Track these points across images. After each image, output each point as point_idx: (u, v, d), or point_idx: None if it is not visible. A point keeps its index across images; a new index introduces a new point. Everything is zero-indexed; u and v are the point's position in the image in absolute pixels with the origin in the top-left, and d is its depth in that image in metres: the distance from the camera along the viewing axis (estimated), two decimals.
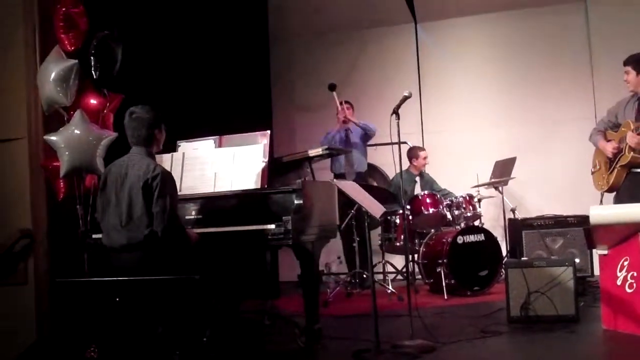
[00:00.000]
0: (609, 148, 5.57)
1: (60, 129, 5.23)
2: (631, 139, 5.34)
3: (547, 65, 8.69)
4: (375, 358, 4.38)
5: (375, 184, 8.53)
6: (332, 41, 9.68)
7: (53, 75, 5.19)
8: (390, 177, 8.72)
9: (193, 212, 4.87)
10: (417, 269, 7.73)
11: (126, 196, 4.33)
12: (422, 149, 8.34)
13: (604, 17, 8.47)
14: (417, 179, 8.29)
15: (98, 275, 4.68)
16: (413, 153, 8.27)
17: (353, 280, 7.68)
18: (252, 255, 5.80)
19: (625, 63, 5.59)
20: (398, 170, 5.30)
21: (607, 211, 5.04)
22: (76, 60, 5.29)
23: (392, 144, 5.00)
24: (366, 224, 4.86)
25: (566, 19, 8.69)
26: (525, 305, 5.23)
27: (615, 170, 5.52)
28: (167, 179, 4.31)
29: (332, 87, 7.93)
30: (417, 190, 8.14)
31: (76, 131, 5.16)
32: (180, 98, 7.68)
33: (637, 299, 4.68)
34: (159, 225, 4.25)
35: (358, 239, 7.60)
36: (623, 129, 5.50)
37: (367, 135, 8.00)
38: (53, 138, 5.19)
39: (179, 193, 4.87)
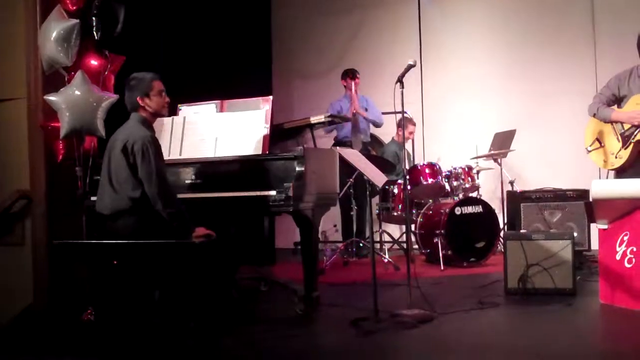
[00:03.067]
0: (637, 116, 5.44)
1: (61, 89, 5.17)
2: None
3: (550, 38, 8.63)
4: (373, 326, 4.38)
5: (374, 153, 8.49)
6: (334, 8, 9.62)
7: (54, 34, 5.11)
8: None
9: (193, 177, 4.85)
10: (413, 239, 7.73)
11: (114, 162, 4.37)
12: (414, 123, 8.31)
13: None
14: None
15: (96, 238, 4.67)
16: (401, 123, 8.22)
17: (350, 249, 7.70)
18: (250, 221, 5.79)
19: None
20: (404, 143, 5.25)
21: (609, 186, 5.02)
22: (78, 20, 5.21)
23: (395, 112, 4.97)
24: (368, 192, 4.83)
25: None
26: (524, 277, 5.24)
27: (631, 145, 5.41)
28: (148, 143, 4.30)
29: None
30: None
31: (77, 92, 5.09)
32: (181, 61, 7.62)
33: (635, 274, 4.69)
34: (148, 190, 4.26)
35: (356, 207, 7.61)
36: (636, 101, 5.38)
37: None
38: (53, 98, 5.13)
39: (179, 157, 4.86)
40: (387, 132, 8.58)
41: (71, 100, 5.10)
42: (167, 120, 5.07)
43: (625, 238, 4.77)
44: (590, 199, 5.02)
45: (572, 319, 4.67)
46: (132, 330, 4.51)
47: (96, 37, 5.43)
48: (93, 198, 4.87)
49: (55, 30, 5.14)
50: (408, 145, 8.58)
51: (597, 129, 5.69)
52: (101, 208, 4.43)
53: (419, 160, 8.20)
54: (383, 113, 8.04)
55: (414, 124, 8.39)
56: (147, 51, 6.64)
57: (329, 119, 5.18)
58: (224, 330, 4.41)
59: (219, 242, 4.45)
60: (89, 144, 5.34)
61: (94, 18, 5.39)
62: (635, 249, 4.70)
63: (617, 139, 5.52)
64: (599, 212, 4.95)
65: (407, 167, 7.63)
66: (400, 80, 4.85)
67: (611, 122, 5.57)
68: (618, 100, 5.59)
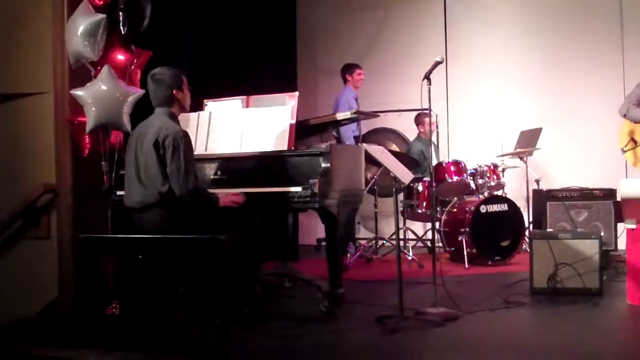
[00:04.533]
0: None
1: (87, 84, 5.19)
2: None
3: (577, 37, 8.54)
4: (398, 324, 4.35)
5: (397, 149, 8.45)
6: (359, 5, 9.59)
7: (81, 29, 5.13)
8: None
9: (219, 172, 4.85)
10: (437, 237, 7.69)
11: (143, 156, 4.40)
12: (428, 114, 8.23)
13: None
14: (430, 144, 8.22)
15: (121, 232, 4.69)
16: (419, 119, 8.23)
17: (373, 246, 7.68)
18: (275, 217, 5.78)
19: None
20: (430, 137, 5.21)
21: (638, 184, 4.96)
22: (104, 15, 5.23)
23: (421, 110, 4.93)
24: (394, 189, 4.80)
25: None
26: (552, 276, 5.19)
27: None
28: (179, 138, 4.32)
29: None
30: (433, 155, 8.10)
31: (103, 87, 5.11)
32: (207, 57, 7.63)
33: None
34: (176, 185, 4.28)
35: (379, 204, 7.60)
36: None
37: None
38: (80, 93, 5.15)
39: (205, 152, 4.86)
40: (411, 129, 8.55)
41: (97, 95, 5.12)
42: (193, 115, 5.07)
43: None
44: (619, 198, 4.97)
45: (599, 320, 4.62)
46: (156, 324, 4.52)
47: (123, 32, 5.46)
48: (119, 192, 4.90)
49: (82, 25, 5.17)
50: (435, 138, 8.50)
51: (631, 128, 5.65)
52: (129, 202, 4.46)
53: (443, 157, 8.13)
54: (408, 110, 8.00)
55: (430, 116, 8.26)
56: (173, 46, 6.65)
57: (355, 115, 5.15)
58: (248, 326, 4.40)
59: (243, 237, 4.45)
60: (114, 138, 5.36)
61: (120, 13, 5.42)
62: None
63: None
64: (627, 211, 4.89)
65: (436, 161, 7.59)
66: (427, 76, 4.81)
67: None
68: None
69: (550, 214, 6.72)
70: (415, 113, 8.19)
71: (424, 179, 7.43)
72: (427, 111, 7.65)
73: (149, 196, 4.36)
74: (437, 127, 7.87)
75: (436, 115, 7.52)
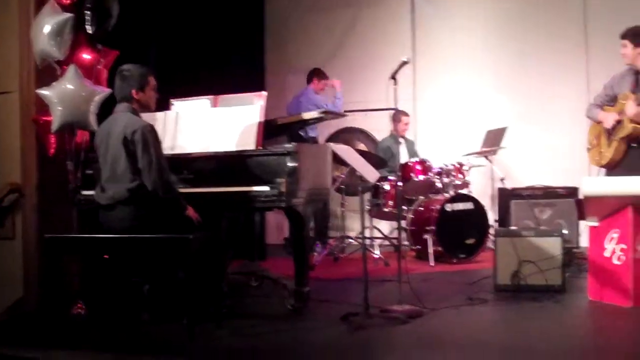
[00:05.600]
0: (610, 119, 5.51)
1: (53, 83, 5.16)
2: (630, 109, 5.30)
3: (542, 38, 8.64)
4: (364, 322, 4.39)
5: (365, 149, 8.50)
6: (328, 4, 9.63)
7: (47, 28, 5.10)
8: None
9: (186, 172, 4.85)
10: (403, 235, 7.75)
11: (110, 153, 4.41)
12: (406, 114, 8.28)
13: None
14: (402, 141, 8.29)
15: (87, 232, 4.68)
16: (396, 116, 8.26)
17: (340, 245, 7.73)
18: (242, 216, 5.80)
19: (623, 36, 5.52)
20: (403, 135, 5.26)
21: (599, 183, 5.07)
22: (71, 14, 5.21)
23: (387, 109, 4.98)
24: (360, 188, 4.85)
25: None
26: (516, 273, 5.27)
27: (614, 142, 5.46)
28: (147, 132, 4.34)
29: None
30: (403, 153, 8.18)
31: (69, 86, 5.09)
32: (174, 56, 7.62)
33: (624, 271, 4.72)
34: (148, 180, 4.30)
35: (346, 203, 7.65)
36: (622, 101, 5.46)
37: None
38: (45, 92, 5.12)
39: (172, 152, 4.87)
40: (378, 128, 8.60)
41: (63, 94, 5.09)
42: (160, 115, 5.06)
43: (615, 235, 4.81)
44: (581, 197, 5.07)
45: (561, 316, 4.70)
46: (122, 323, 4.52)
47: (89, 31, 5.43)
48: (84, 192, 4.89)
49: (48, 24, 5.13)
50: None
51: (597, 128, 5.76)
52: (100, 199, 4.45)
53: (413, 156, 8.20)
54: (375, 110, 8.06)
55: (407, 115, 8.33)
56: (140, 45, 6.63)
57: (322, 114, 5.18)
58: (214, 325, 4.41)
59: (210, 236, 4.46)
60: (80, 138, 5.34)
61: (87, 12, 5.39)
62: (624, 247, 4.73)
63: (607, 136, 5.59)
64: (589, 209, 4.99)
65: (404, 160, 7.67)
66: (393, 76, 4.86)
67: (597, 122, 5.68)
68: (613, 100, 5.65)
69: (514, 212, 6.80)
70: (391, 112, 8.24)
71: (390, 177, 7.47)
72: (398, 110, 7.78)
73: (119, 193, 4.36)
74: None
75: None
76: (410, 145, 8.40)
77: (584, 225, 5.29)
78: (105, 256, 4.51)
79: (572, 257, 6.28)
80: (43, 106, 5.24)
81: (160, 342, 4.20)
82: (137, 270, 4.48)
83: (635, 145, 5.41)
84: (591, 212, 4.99)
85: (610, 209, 4.85)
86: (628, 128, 5.34)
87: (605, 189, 4.89)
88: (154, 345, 4.16)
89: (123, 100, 4.51)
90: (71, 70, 5.14)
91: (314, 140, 7.92)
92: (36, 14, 5.28)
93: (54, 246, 4.50)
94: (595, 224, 4.98)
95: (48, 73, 5.33)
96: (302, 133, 7.70)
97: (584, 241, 5.78)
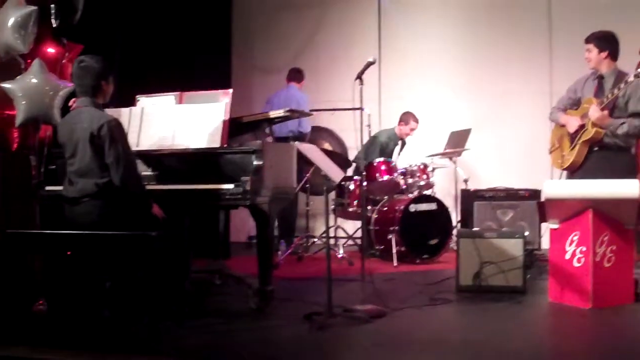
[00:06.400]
0: (574, 122, 5.57)
1: (17, 77, 5.11)
2: (594, 112, 5.36)
3: (507, 42, 8.73)
4: (327, 321, 4.40)
5: (330, 148, 8.53)
6: (296, 3, 9.62)
7: (11, 21, 5.05)
8: (346, 143, 8.78)
9: (150, 168, 4.82)
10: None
11: (76, 149, 4.36)
12: (416, 119, 8.34)
13: None
14: (400, 143, 8.35)
15: (50, 228, 4.63)
16: (405, 117, 8.34)
17: (304, 244, 7.74)
18: (206, 214, 5.78)
19: (587, 40, 5.58)
20: (358, 136, 5.29)
21: (560, 186, 5.13)
22: (36, 7, 5.16)
23: (353, 109, 5.00)
24: (325, 188, 4.85)
25: None
26: (478, 274, 5.32)
27: (577, 146, 5.53)
28: (114, 127, 4.30)
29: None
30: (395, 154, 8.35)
31: (34, 80, 5.04)
32: (140, 52, 7.56)
33: (584, 273, 4.79)
34: (116, 174, 4.27)
35: (311, 202, 7.67)
36: (585, 105, 5.52)
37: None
38: (9, 86, 5.06)
39: (137, 148, 4.84)
40: (344, 128, 8.62)
41: (27, 88, 5.05)
42: (124, 110, 5.03)
43: (575, 238, 4.87)
44: (542, 199, 5.13)
45: (522, 317, 4.76)
46: (83, 321, 4.48)
47: (54, 25, 5.39)
48: (48, 188, 4.84)
49: (12, 17, 5.09)
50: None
51: (560, 131, 5.82)
52: (69, 194, 4.41)
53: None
54: (341, 109, 8.08)
55: (417, 121, 8.39)
56: (105, 40, 6.56)
57: (288, 113, 5.18)
58: (176, 323, 4.40)
59: (174, 234, 4.45)
60: (44, 132, 5.29)
61: (52, 5, 5.34)
62: (584, 249, 4.80)
63: (569, 140, 5.65)
64: (550, 211, 5.05)
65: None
66: (359, 77, 4.89)
67: (560, 125, 5.74)
68: (576, 104, 5.72)
69: (477, 213, 6.88)
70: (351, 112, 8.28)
71: (355, 177, 7.49)
72: (409, 112, 7.85)
73: (88, 187, 4.32)
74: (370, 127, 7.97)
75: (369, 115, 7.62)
76: (402, 149, 8.47)
77: (546, 228, 5.35)
78: (68, 252, 4.47)
79: (533, 259, 6.36)
80: (7, 100, 5.18)
81: (121, 340, 4.17)
82: (100, 267, 4.45)
83: (596, 148, 5.49)
84: (552, 215, 5.06)
85: (571, 211, 4.91)
86: (591, 132, 5.40)
87: (566, 191, 4.96)
88: (114, 342, 4.12)
89: (86, 92, 4.43)
90: (36, 64, 5.10)
91: (302, 137, 7.95)
92: (0, 7, 5.22)
93: (15, 242, 4.44)
94: (556, 226, 5.05)
95: (12, 67, 5.28)
96: (293, 129, 7.79)
97: (545, 243, 5.85)
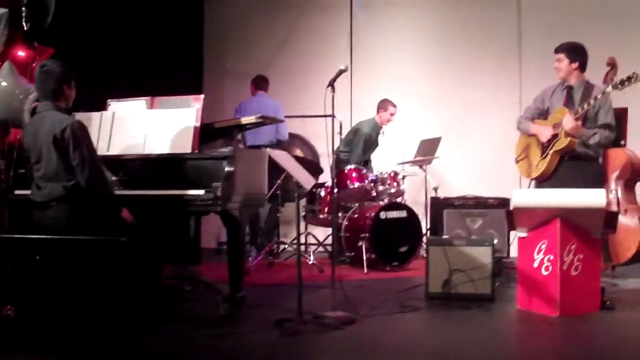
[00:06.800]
0: (547, 132, 5.62)
1: None
2: (568, 123, 5.39)
3: (477, 50, 8.84)
4: (297, 327, 4.42)
5: (302, 155, 8.54)
6: (268, 10, 9.63)
7: None
8: (318, 150, 8.80)
9: (121, 173, 4.79)
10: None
11: (41, 153, 4.35)
12: (394, 104, 8.35)
13: (535, 3, 8.66)
14: (382, 132, 8.38)
15: (19, 232, 4.59)
16: (382, 104, 8.33)
17: (275, 250, 7.74)
18: (176, 220, 5.76)
19: (558, 50, 5.62)
20: (329, 143, 5.31)
21: (528, 195, 5.19)
22: (6, 10, 5.12)
23: (324, 116, 5.01)
24: (296, 195, 4.87)
25: (499, 4, 8.84)
26: (447, 282, 5.35)
27: (549, 156, 5.58)
28: (77, 129, 4.29)
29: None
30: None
31: (3, 83, 5.00)
32: (111, 56, 7.53)
33: (551, 282, 4.85)
34: (82, 177, 4.25)
35: (282, 209, 7.68)
36: (557, 114, 5.56)
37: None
38: None
39: (108, 153, 4.81)
40: (315, 135, 8.62)
41: None
42: (95, 115, 5.00)
43: (543, 246, 4.93)
44: (511, 208, 5.19)
45: (490, 324, 4.80)
46: (52, 326, 4.44)
47: (25, 28, 5.35)
48: (17, 192, 4.80)
49: None
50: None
51: (526, 141, 5.86)
52: (37, 198, 4.38)
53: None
54: (313, 116, 8.09)
55: (395, 105, 8.35)
56: (76, 44, 6.53)
57: (260, 119, 5.18)
58: (146, 329, 4.38)
59: (144, 239, 4.43)
60: (14, 136, 5.24)
61: (23, 8, 5.30)
62: (552, 257, 4.86)
63: (539, 149, 5.69)
64: (518, 220, 5.11)
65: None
66: (331, 84, 4.91)
67: (530, 135, 5.78)
68: (543, 113, 5.78)
69: (446, 221, 6.93)
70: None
71: (326, 184, 7.51)
72: (386, 99, 7.87)
73: (55, 190, 4.30)
74: (341, 134, 7.99)
75: (340, 123, 7.66)
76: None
77: (514, 236, 5.41)
78: (37, 257, 4.43)
79: (502, 267, 6.42)
80: None
81: (91, 345, 4.14)
82: (69, 272, 4.41)
83: (567, 158, 5.55)
84: (520, 223, 5.11)
85: (539, 220, 4.97)
86: (565, 141, 5.44)
87: (534, 200, 5.02)
88: (83, 348, 4.10)
89: (48, 97, 4.43)
90: (6, 67, 5.06)
91: (281, 145, 7.96)
92: None
93: None
94: (525, 234, 5.10)
95: None
96: (271, 138, 7.80)
97: (514, 251, 5.91)
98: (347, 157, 8.01)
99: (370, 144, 8.25)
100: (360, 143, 8.12)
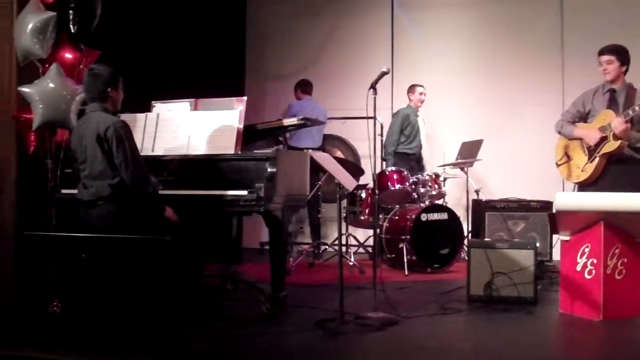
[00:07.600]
0: (594, 134, 5.55)
1: (35, 81, 5.17)
2: (618, 126, 5.32)
3: (519, 51, 8.75)
4: (338, 328, 4.44)
5: (343, 156, 8.57)
6: (308, 12, 9.65)
7: (30, 26, 5.11)
8: (358, 151, 8.82)
9: (165, 174, 4.86)
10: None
11: (86, 153, 4.42)
12: (420, 85, 8.44)
13: (578, 6, 8.57)
14: (420, 117, 8.46)
15: (66, 230, 4.68)
16: (410, 89, 8.46)
17: (316, 251, 7.77)
18: (219, 220, 5.82)
19: (607, 52, 5.53)
20: (370, 145, 5.32)
21: (572, 198, 5.15)
22: (54, 13, 5.22)
23: (366, 118, 5.02)
24: (338, 196, 4.89)
25: (541, 5, 8.77)
26: (489, 284, 5.33)
27: (597, 159, 5.49)
28: (120, 128, 4.37)
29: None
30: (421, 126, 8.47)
31: (51, 84, 5.10)
32: (156, 58, 7.63)
33: (594, 286, 4.81)
34: (125, 174, 4.33)
35: (323, 210, 7.71)
36: (602, 117, 5.49)
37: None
38: (27, 90, 5.12)
39: (152, 154, 4.89)
40: (356, 137, 8.66)
41: (45, 92, 5.11)
42: (140, 116, 5.09)
43: (587, 250, 4.89)
44: (554, 211, 5.15)
45: (533, 327, 4.77)
46: (97, 322, 4.52)
47: (72, 31, 5.46)
48: (64, 191, 4.89)
49: (31, 22, 5.15)
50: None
51: (566, 144, 5.80)
52: (84, 196, 4.46)
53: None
54: (354, 118, 8.12)
55: (422, 86, 8.49)
56: (122, 46, 6.63)
57: (302, 121, 5.22)
58: (190, 327, 4.43)
59: (188, 239, 4.49)
60: (61, 136, 5.34)
61: (70, 11, 5.41)
62: (595, 261, 4.82)
63: (584, 152, 5.62)
64: (561, 223, 5.07)
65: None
66: (373, 86, 4.91)
67: (574, 138, 5.71)
68: (584, 117, 5.71)
69: (488, 223, 6.88)
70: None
71: (368, 186, 7.52)
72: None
73: (102, 189, 4.38)
74: (382, 136, 8.00)
75: (381, 124, 7.66)
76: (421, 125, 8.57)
77: (557, 239, 5.37)
78: (83, 255, 4.51)
79: (544, 270, 6.38)
80: (24, 104, 5.24)
81: (135, 343, 4.21)
82: (114, 270, 4.49)
83: (614, 161, 5.48)
84: (564, 227, 5.07)
85: (582, 223, 4.93)
86: (614, 144, 5.37)
87: (578, 204, 4.98)
88: (127, 345, 4.16)
89: (95, 99, 4.52)
90: (53, 68, 5.16)
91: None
92: (19, 12, 5.29)
93: (31, 244, 4.49)
94: (568, 238, 5.06)
95: (30, 71, 5.34)
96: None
97: (557, 255, 5.86)
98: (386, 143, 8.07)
99: (411, 126, 8.25)
100: (398, 122, 8.20)
